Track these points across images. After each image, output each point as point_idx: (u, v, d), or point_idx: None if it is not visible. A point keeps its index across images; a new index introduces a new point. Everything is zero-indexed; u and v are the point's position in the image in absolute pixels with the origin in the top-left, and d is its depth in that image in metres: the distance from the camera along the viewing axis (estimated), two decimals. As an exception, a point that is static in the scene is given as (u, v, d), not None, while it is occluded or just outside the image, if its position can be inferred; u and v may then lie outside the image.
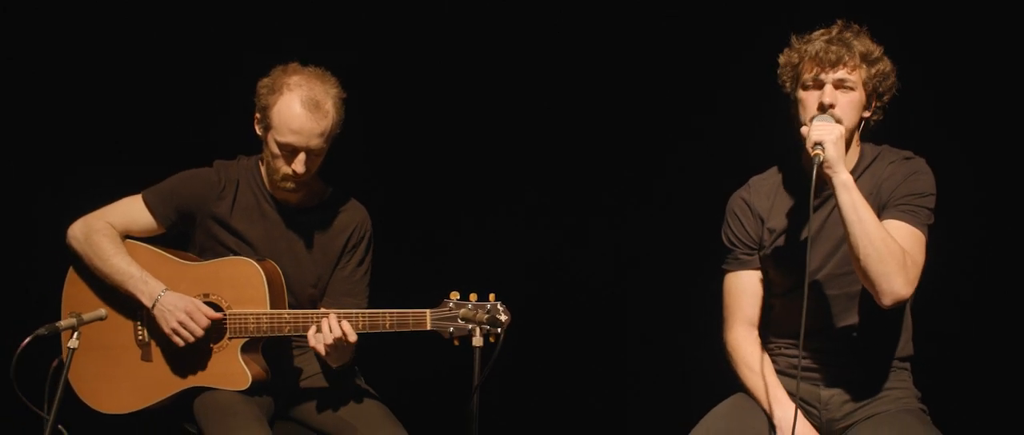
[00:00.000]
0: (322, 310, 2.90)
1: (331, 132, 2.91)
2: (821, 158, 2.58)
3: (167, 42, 3.89)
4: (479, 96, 3.97)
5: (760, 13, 3.47)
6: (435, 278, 2.92)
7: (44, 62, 3.91)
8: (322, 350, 2.84)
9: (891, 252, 2.56)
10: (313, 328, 2.84)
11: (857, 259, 2.58)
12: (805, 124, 2.69)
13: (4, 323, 3.72)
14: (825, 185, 2.70)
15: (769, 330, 2.89)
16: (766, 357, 2.85)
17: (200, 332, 2.89)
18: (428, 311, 2.78)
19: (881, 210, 2.69)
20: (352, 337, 2.81)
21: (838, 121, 2.66)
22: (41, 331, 2.58)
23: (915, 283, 2.62)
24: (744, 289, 2.87)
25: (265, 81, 2.93)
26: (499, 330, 2.66)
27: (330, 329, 2.81)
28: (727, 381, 2.88)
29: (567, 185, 4.01)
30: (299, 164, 2.88)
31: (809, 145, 2.61)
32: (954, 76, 3.48)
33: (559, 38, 3.91)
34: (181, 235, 3.08)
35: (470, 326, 2.69)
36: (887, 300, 2.59)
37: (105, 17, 3.86)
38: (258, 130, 2.97)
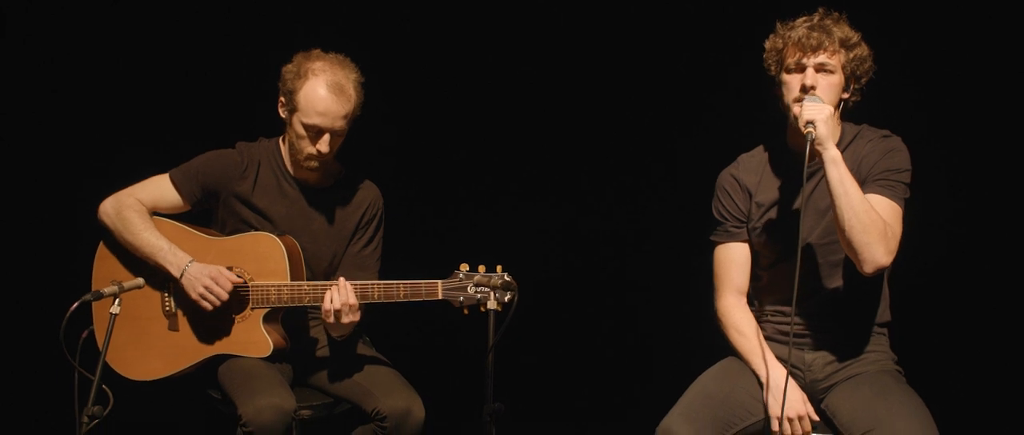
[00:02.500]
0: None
1: (353, 114, 3.02)
2: (813, 136, 2.67)
3: (192, 36, 3.98)
4: (484, 81, 4.04)
5: (751, 10, 3.58)
6: (442, 254, 2.98)
7: (74, 56, 3.99)
8: (331, 317, 2.93)
9: (873, 222, 2.68)
10: (326, 297, 2.92)
11: (842, 230, 2.69)
12: (789, 105, 2.80)
13: (31, 297, 3.87)
14: (810, 159, 2.78)
15: (757, 298, 3.01)
16: (754, 322, 2.96)
17: (225, 296, 2.98)
18: (439, 282, 2.87)
19: (861, 185, 2.78)
20: (353, 299, 2.90)
21: (826, 103, 2.73)
22: (87, 297, 2.69)
23: (894, 253, 2.73)
24: (734, 260, 2.99)
25: (289, 67, 3.03)
26: (511, 294, 2.76)
27: (338, 294, 2.90)
28: (719, 345, 2.99)
29: (569, 165, 4.08)
30: (323, 144, 2.99)
31: (801, 124, 2.70)
32: (927, 59, 3.59)
33: (566, 22, 3.98)
34: (205, 212, 3.17)
35: (482, 293, 2.80)
36: (868, 268, 2.71)
37: (141, 11, 3.97)
38: (282, 113, 3.07)
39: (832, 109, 2.73)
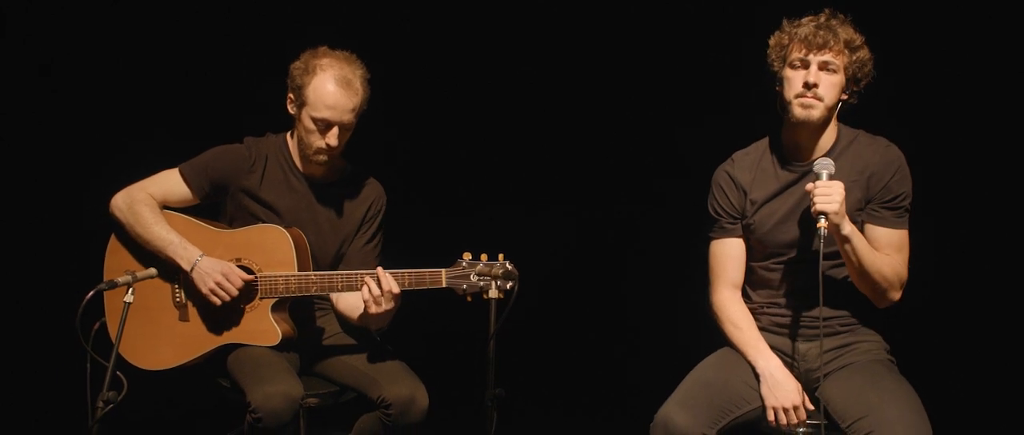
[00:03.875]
0: (358, 271, 3.02)
1: (360, 108, 3.07)
2: (824, 233, 2.69)
3: (201, 33, 4.05)
4: (489, 78, 4.10)
5: (748, 12, 3.58)
6: (445, 244, 3.00)
7: (76, 55, 4.06)
8: (373, 308, 2.95)
9: (885, 278, 2.81)
10: (364, 289, 2.95)
11: (859, 286, 2.84)
12: (789, 100, 2.84)
13: (42, 292, 3.94)
14: (802, 159, 2.89)
15: (751, 292, 3.05)
16: (749, 315, 3.00)
17: (235, 292, 3.03)
18: (443, 270, 2.92)
19: (867, 202, 2.87)
20: (396, 288, 2.94)
21: (832, 173, 2.76)
22: (102, 286, 2.75)
23: (904, 286, 2.87)
24: (729, 255, 3.03)
25: (297, 64, 3.08)
26: (512, 283, 2.80)
27: (378, 284, 2.93)
28: (714, 337, 3.04)
29: (572, 160, 4.13)
30: (332, 137, 3.04)
31: (813, 210, 2.72)
32: (923, 59, 3.65)
33: (567, 21, 4.03)
34: (213, 206, 3.20)
35: (484, 281, 2.84)
36: (882, 307, 2.89)
37: (142, 11, 4.04)
38: (291, 109, 3.12)
39: (843, 192, 2.73)
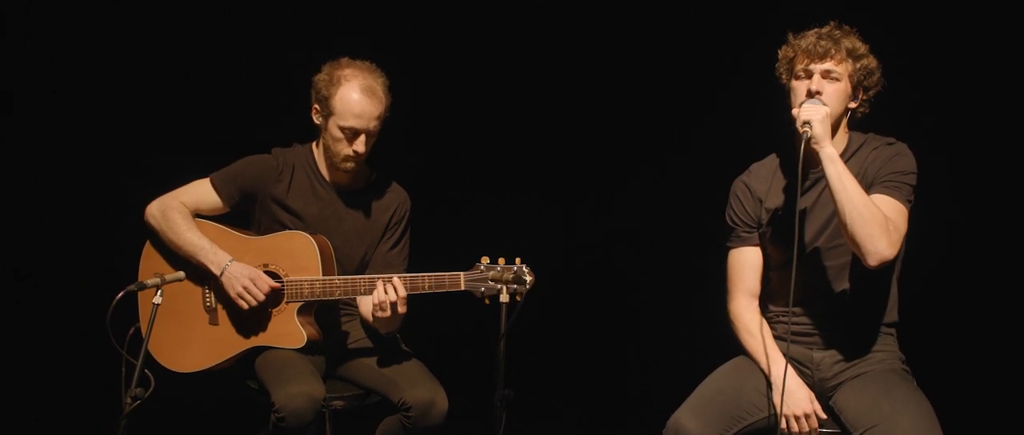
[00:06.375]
0: (375, 275, 3.09)
1: (384, 115, 3.17)
2: (809, 134, 2.77)
3: (231, 49, 4.15)
4: (501, 83, 4.15)
5: (765, 17, 3.61)
6: (466, 247, 3.06)
7: (121, 67, 4.18)
8: (381, 312, 3.03)
9: (874, 216, 2.74)
10: (377, 292, 3.02)
11: (844, 224, 2.75)
12: (796, 109, 2.89)
13: (80, 294, 4.04)
14: (816, 165, 2.88)
15: (768, 300, 3.07)
16: (765, 324, 3.03)
17: (261, 297, 3.11)
18: (462, 274, 2.98)
19: (868, 188, 2.85)
20: (402, 292, 3.01)
21: (824, 105, 2.83)
22: (131, 287, 2.84)
23: (897, 246, 2.79)
24: (745, 264, 3.07)
25: (321, 76, 3.18)
26: (524, 288, 2.86)
27: (384, 290, 3.02)
28: (730, 345, 3.06)
29: (587, 164, 4.17)
30: (359, 144, 3.14)
31: (798, 124, 2.80)
32: (932, 65, 3.67)
33: (584, 25, 4.07)
34: (243, 214, 3.29)
35: (499, 285, 2.90)
36: (872, 260, 2.75)
37: (185, 30, 4.15)
38: (316, 119, 3.21)
39: (828, 111, 2.82)
